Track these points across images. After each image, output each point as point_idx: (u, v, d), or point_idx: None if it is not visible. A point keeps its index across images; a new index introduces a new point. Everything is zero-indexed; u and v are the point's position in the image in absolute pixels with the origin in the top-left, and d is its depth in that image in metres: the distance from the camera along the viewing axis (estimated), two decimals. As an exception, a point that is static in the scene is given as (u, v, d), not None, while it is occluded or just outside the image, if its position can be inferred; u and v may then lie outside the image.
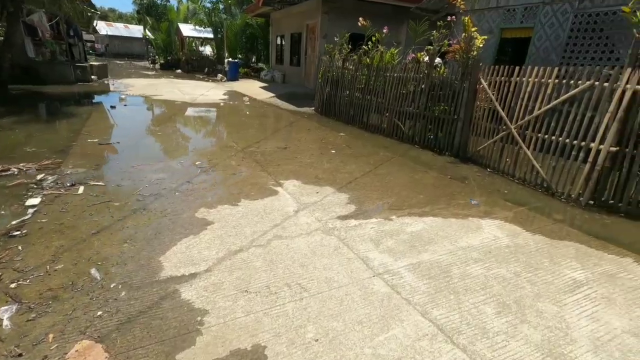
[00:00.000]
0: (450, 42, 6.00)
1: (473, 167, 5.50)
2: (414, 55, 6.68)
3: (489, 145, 5.38)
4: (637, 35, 3.64)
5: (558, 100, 4.36)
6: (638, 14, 3.61)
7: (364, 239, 3.01)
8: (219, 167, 4.69)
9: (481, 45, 5.52)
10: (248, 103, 11.60)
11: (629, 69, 3.71)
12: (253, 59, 23.01)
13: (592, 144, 4.00)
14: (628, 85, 3.72)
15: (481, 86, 5.50)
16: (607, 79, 3.93)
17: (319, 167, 5.02)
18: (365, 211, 3.58)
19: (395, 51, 7.36)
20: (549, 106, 4.45)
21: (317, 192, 4.01)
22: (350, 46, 8.66)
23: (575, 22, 6.94)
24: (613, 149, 3.83)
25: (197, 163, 4.80)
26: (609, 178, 3.96)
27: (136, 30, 42.59)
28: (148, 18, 31.38)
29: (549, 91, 4.47)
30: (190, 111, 9.59)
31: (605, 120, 3.88)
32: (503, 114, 5.10)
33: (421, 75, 6.48)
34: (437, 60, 6.60)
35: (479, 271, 2.63)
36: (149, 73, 21.43)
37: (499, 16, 8.41)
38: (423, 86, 6.44)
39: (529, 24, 7.79)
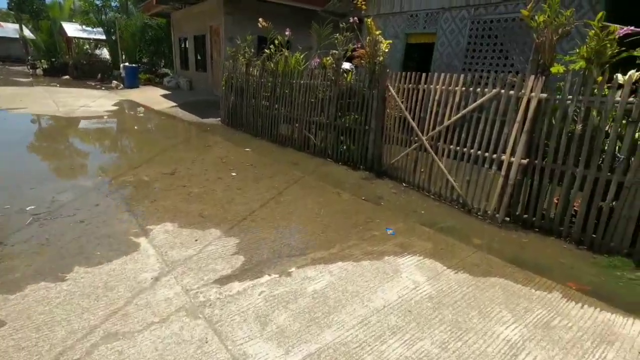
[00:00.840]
0: (355, 46, 5.50)
1: (388, 183, 5.04)
2: (318, 60, 6.07)
3: (402, 158, 4.97)
4: (537, 40, 3.42)
5: (466, 109, 4.05)
6: (537, 17, 3.39)
7: (247, 317, 2.15)
8: (64, 211, 3.43)
9: (387, 50, 5.10)
10: (142, 115, 9.97)
11: (532, 76, 3.49)
12: (161, 64, 20.68)
13: (504, 156, 3.73)
14: (532, 94, 3.49)
15: (390, 94, 5.07)
16: (513, 87, 3.69)
17: (210, 198, 4.04)
18: (256, 264, 2.73)
19: (301, 56, 6.69)
20: (457, 116, 4.13)
21: (197, 240, 3.04)
22: (255, 50, 7.79)
23: (472, 28, 7.04)
24: (524, 161, 3.58)
25: (29, 208, 3.46)
26: (521, 192, 3.73)
27: (12, 30, 35.91)
28: (23, 15, 26.49)
29: (456, 100, 4.15)
30: (56, 129, 7.74)
31: (514, 131, 3.63)
32: (413, 123, 4.71)
33: (328, 83, 5.89)
34: (348, 65, 6.09)
35: (398, 351, 1.96)
36: (23, 80, 17.86)
37: (403, 21, 8.32)
38: (331, 94, 5.86)
39: (431, 29, 7.78)
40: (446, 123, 4.26)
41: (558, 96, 3.39)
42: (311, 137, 6.36)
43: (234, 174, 5.03)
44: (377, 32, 5.05)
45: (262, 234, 3.24)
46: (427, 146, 4.51)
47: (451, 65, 7.49)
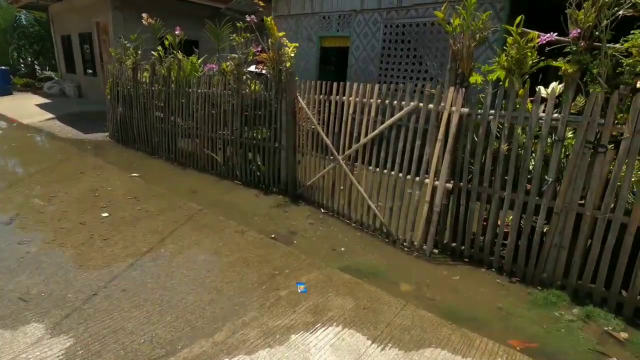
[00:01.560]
0: (256, 50, 4.69)
1: (305, 209, 4.32)
2: (212, 65, 5.12)
3: (318, 180, 4.30)
4: (454, 47, 2.98)
5: (383, 125, 3.50)
6: (452, 21, 2.95)
7: None
8: None
9: (293, 55, 4.38)
10: (0, 132, 7.87)
11: (452, 88, 3.04)
12: (47, 66, 17.35)
13: (427, 179, 3.25)
14: (453, 108, 3.05)
15: (300, 106, 4.36)
16: (433, 99, 3.22)
17: (50, 263, 2.86)
18: (88, 390, 1.75)
19: (198, 60, 5.64)
20: (374, 133, 3.57)
21: (-4, 353, 1.93)
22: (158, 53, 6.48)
23: (386, 32, 6.72)
24: (448, 185, 3.12)
25: None
26: (448, 218, 3.29)
27: None
28: None
29: (372, 114, 3.59)
30: None
31: (437, 151, 3.16)
32: (328, 141, 4.06)
33: (230, 92, 4.98)
34: (253, 69, 5.23)
35: None
36: None
37: (316, 23, 7.74)
38: (234, 105, 4.95)
39: (345, 32, 7.31)
40: (363, 141, 3.68)
41: (479, 110, 2.99)
42: (214, 157, 5.38)
43: (105, 214, 3.84)
44: (280, 34, 4.30)
45: (116, 321, 2.23)
46: (344, 167, 3.89)
47: (367, 70, 7.10)
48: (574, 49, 2.40)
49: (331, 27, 7.50)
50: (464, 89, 2.98)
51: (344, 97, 3.83)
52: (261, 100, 4.73)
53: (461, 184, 3.15)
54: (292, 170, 4.66)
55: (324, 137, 4.08)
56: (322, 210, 4.26)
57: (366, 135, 3.65)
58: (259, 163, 4.97)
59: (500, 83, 3.08)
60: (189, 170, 5.73)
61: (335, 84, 3.93)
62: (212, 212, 4.04)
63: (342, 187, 3.98)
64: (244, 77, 4.86)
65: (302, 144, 4.47)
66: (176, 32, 5.50)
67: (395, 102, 3.41)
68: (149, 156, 6.42)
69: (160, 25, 5.94)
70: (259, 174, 4.98)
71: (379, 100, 3.53)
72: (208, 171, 5.57)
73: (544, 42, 2.51)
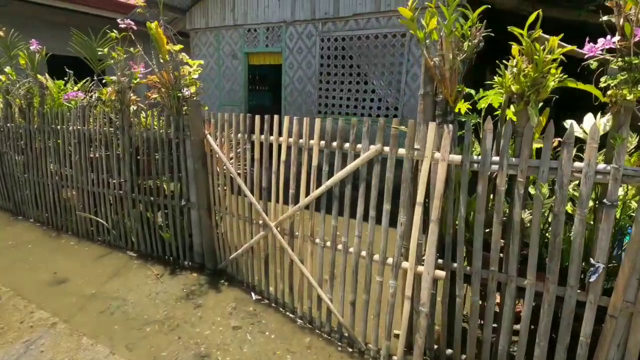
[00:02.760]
0: (143, 70, 3.32)
1: (229, 297, 2.97)
2: (74, 93, 3.62)
3: (244, 253, 2.99)
4: (430, 63, 1.94)
5: (332, 179, 2.34)
6: (424, 23, 1.91)
7: None
8: None
9: (196, 76, 3.09)
10: None
11: (432, 124, 1.98)
12: None
13: (405, 264, 2.13)
14: (437, 154, 1.98)
15: (211, 148, 3.06)
16: (404, 142, 2.13)
17: None
18: None
19: (68, 85, 4.07)
20: (320, 190, 2.39)
21: None
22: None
23: (323, 47, 5.71)
24: (440, 272, 2.02)
25: None
26: (439, 309, 2.19)
27: None
28: None
29: (315, 162, 2.42)
30: None
31: (416, 219, 2.05)
32: (253, 199, 2.79)
33: (113, 129, 3.50)
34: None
35: None
36: None
37: (240, 37, 6.52)
38: (123, 147, 3.48)
39: (275, 47, 6.18)
40: (303, 201, 2.47)
41: (475, 157, 1.96)
42: (98, 219, 3.81)
43: None
44: (176, 48, 2.99)
45: None
46: (279, 237, 2.64)
47: (305, 92, 6.01)
48: (636, 62, 1.46)
49: (259, 41, 6.33)
50: (450, 125, 1.93)
51: (273, 137, 2.62)
52: (158, 139, 3.33)
53: (455, 265, 2.08)
54: (208, 236, 3.29)
55: (248, 193, 2.81)
56: (254, 297, 2.95)
57: (307, 193, 2.45)
58: (161, 226, 3.52)
59: (496, 113, 2.11)
60: (65, 237, 4.06)
61: (258, 119, 2.70)
62: (71, 330, 2.51)
63: (279, 266, 2.72)
64: (132, 108, 3.43)
65: (220, 200, 3.15)
66: (31, 47, 3.90)
67: (348, 145, 2.27)
68: (11, 217, 4.59)
69: (15, 39, 4.27)
70: (162, 242, 3.53)
71: (323, 142, 2.37)
72: (92, 238, 3.96)
73: (596, 52, 1.55)
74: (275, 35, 6.12)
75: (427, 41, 1.96)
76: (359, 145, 2.23)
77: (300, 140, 2.46)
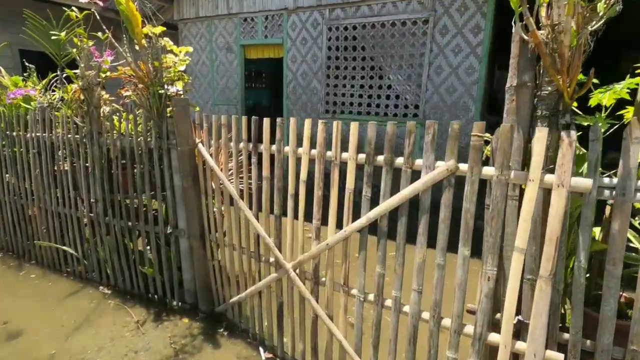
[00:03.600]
0: (111, 60, 2.59)
1: (231, 348, 2.28)
2: (21, 90, 2.89)
3: (250, 296, 2.30)
4: (538, 37, 1.26)
5: (379, 209, 1.65)
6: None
7: None
8: None
9: (182, 68, 2.38)
10: None
11: (541, 130, 1.30)
12: None
13: (494, 337, 1.45)
14: (551, 177, 1.30)
15: (204, 160, 2.35)
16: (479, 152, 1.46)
17: None
18: None
19: (28, 82, 3.32)
20: (359, 223, 1.70)
21: None
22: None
23: (331, 37, 5.02)
24: (556, 355, 1.35)
25: None
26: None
27: None
28: None
29: (350, 184, 1.73)
30: None
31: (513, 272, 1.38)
32: (261, 230, 2.10)
33: (79, 137, 2.78)
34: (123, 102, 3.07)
35: None
36: None
37: (236, 28, 5.79)
38: (88, 159, 2.76)
39: (276, 39, 5.47)
40: (333, 238, 1.78)
41: (609, 181, 1.28)
42: (65, 248, 3.08)
43: None
44: (155, 30, 2.27)
45: None
46: (299, 284, 1.95)
47: (310, 88, 5.32)
48: None
49: (256, 32, 5.61)
50: (572, 133, 1.25)
51: (289, 149, 1.92)
52: (135, 150, 2.61)
53: (567, 336, 1.41)
54: (201, 270, 2.59)
55: (255, 223, 2.11)
56: (264, 355, 2.26)
57: (339, 224, 1.77)
58: (143, 257, 2.81)
59: (620, 112, 1.44)
60: (26, 267, 3.33)
61: (267, 123, 1.99)
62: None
63: (299, 320, 2.04)
64: (102, 110, 2.70)
65: (217, 228, 2.45)
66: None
67: (402, 159, 1.58)
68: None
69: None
70: (144, 279, 2.82)
71: (362, 155, 1.68)
72: (60, 269, 3.23)
73: None
74: (275, 24, 5.41)
75: (522, 6, 1.28)
76: (418, 161, 1.55)
77: (329, 153, 1.77)
